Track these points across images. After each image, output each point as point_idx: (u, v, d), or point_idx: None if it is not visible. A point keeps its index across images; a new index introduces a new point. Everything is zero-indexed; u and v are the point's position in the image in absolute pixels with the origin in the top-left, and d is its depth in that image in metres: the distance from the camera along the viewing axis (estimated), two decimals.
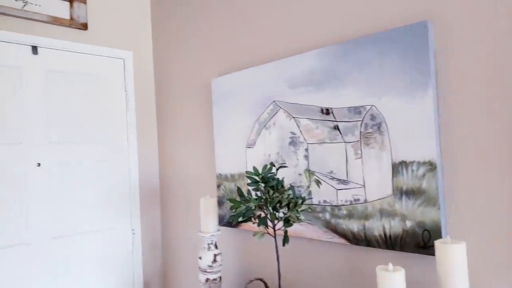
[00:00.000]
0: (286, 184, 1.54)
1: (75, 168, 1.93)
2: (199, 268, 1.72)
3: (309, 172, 1.43)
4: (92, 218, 1.98)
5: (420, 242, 1.18)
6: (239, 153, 1.78)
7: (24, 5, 1.77)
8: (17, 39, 1.74)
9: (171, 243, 2.22)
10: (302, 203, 1.31)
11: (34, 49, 1.82)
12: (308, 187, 1.34)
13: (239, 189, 1.32)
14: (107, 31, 2.10)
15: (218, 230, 1.72)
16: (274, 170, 1.56)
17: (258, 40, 1.74)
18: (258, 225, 1.28)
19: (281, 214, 1.53)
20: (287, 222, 1.33)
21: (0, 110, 1.70)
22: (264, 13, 1.70)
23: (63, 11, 1.91)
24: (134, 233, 2.15)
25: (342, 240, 1.37)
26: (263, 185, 1.33)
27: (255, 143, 1.73)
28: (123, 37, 2.17)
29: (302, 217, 1.39)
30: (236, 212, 1.28)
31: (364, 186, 1.32)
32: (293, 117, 1.56)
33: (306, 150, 1.50)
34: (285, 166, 1.38)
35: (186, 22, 2.07)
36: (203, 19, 1.97)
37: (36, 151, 1.80)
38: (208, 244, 1.72)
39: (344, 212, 1.37)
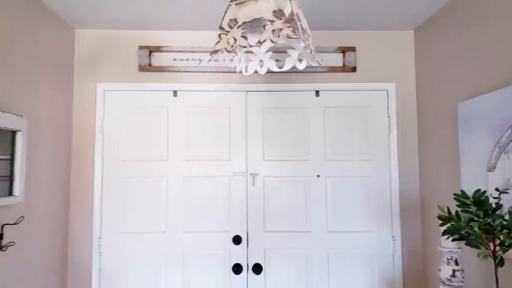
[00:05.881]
0: None
1: (345, 179, 2.51)
2: (440, 279, 1.89)
3: None
4: (357, 220, 2.49)
5: None
6: (481, 176, 1.82)
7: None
8: (304, 88, 2.52)
9: (431, 253, 2.40)
10: None
11: (317, 93, 2.54)
12: None
13: (448, 209, 1.47)
14: (373, 70, 2.57)
15: (459, 248, 1.83)
16: (496, 194, 1.56)
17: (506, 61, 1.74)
18: (466, 244, 1.40)
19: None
20: (503, 245, 1.36)
21: (295, 136, 2.51)
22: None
23: (338, 61, 2.55)
24: (394, 240, 2.49)
25: None
26: (475, 208, 1.42)
27: (495, 167, 1.73)
28: (387, 72, 2.57)
29: None
30: (444, 229, 1.45)
31: None
32: None
33: None
34: (506, 192, 1.41)
35: (443, 51, 2.25)
36: (459, 49, 2.11)
37: (316, 165, 2.50)
38: (448, 259, 1.85)
39: None
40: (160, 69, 2.48)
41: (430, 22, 2.37)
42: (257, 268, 2.43)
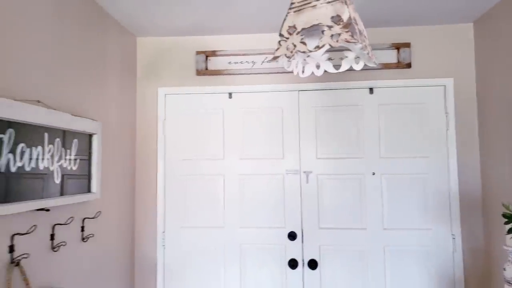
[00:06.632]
0: None
1: (400, 177, 2.48)
2: (504, 278, 1.84)
3: None
4: (414, 217, 2.46)
5: None
6: None
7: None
8: (357, 85, 2.53)
9: (495, 252, 2.32)
10: None
11: (371, 90, 2.53)
12: None
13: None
14: (429, 65, 2.51)
15: None
16: None
17: None
18: None
19: None
20: None
21: (349, 134, 2.53)
22: None
23: (392, 57, 2.52)
24: (454, 238, 2.44)
25: None
26: None
27: None
28: (444, 67, 2.51)
29: None
30: (509, 228, 1.42)
31: None
32: None
33: None
34: None
35: (505, 43, 2.17)
36: None
37: (371, 163, 2.50)
38: None
39: None
40: (216, 73, 2.60)
41: (491, 14, 2.29)
42: (313, 264, 2.48)
